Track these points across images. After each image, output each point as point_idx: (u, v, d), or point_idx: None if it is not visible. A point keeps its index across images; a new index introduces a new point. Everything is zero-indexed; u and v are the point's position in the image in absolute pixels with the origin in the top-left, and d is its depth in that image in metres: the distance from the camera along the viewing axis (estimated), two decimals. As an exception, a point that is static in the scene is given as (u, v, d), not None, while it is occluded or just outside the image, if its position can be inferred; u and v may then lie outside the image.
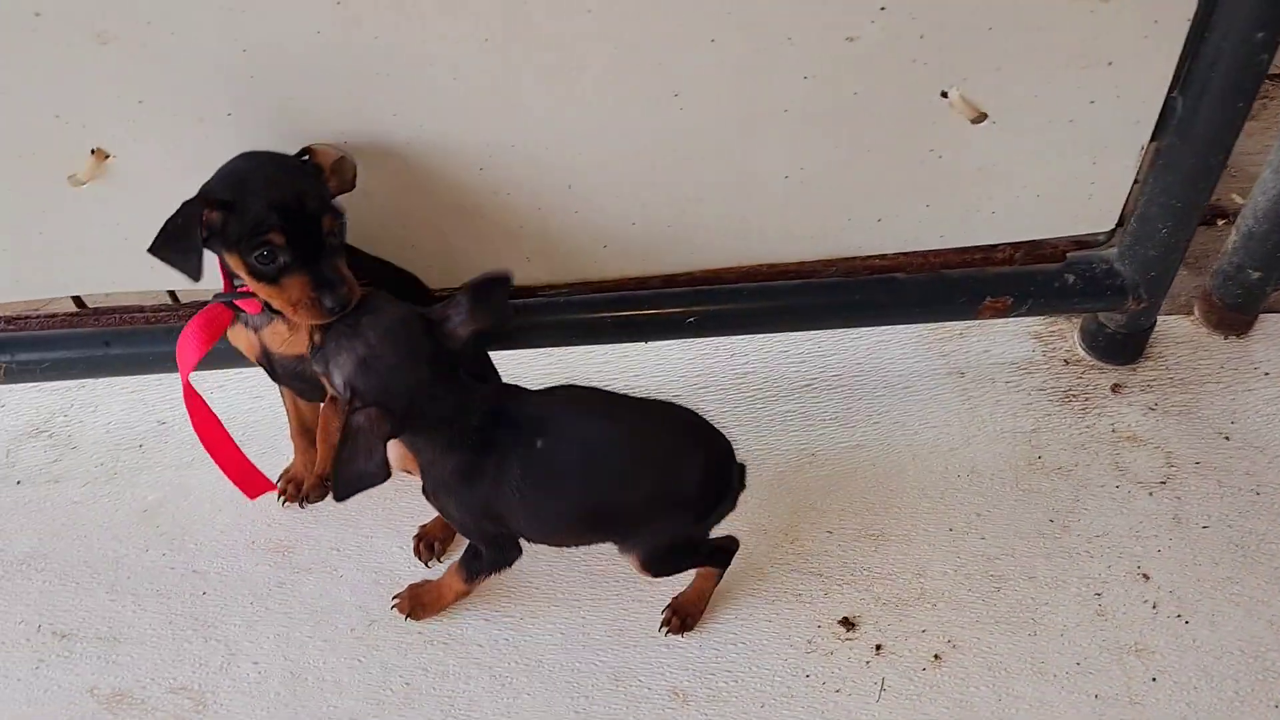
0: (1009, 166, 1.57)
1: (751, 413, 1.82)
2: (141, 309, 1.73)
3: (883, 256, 1.70)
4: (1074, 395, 1.82)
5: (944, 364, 1.87)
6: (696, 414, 1.44)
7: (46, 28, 1.29)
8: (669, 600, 1.58)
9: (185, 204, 1.24)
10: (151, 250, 1.24)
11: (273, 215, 1.23)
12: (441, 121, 1.43)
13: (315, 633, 1.59)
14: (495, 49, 1.35)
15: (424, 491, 1.41)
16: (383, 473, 1.25)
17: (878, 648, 1.54)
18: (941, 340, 1.91)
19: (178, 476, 1.79)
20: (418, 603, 1.59)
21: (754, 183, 1.56)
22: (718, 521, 1.46)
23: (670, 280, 1.70)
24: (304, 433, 1.70)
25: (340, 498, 1.27)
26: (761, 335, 1.90)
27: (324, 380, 1.30)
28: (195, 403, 1.50)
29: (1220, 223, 2.07)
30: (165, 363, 1.73)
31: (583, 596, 1.61)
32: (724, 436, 1.44)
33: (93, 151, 1.44)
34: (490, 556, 1.47)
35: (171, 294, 1.72)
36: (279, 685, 1.54)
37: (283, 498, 1.72)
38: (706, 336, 1.72)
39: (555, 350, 1.90)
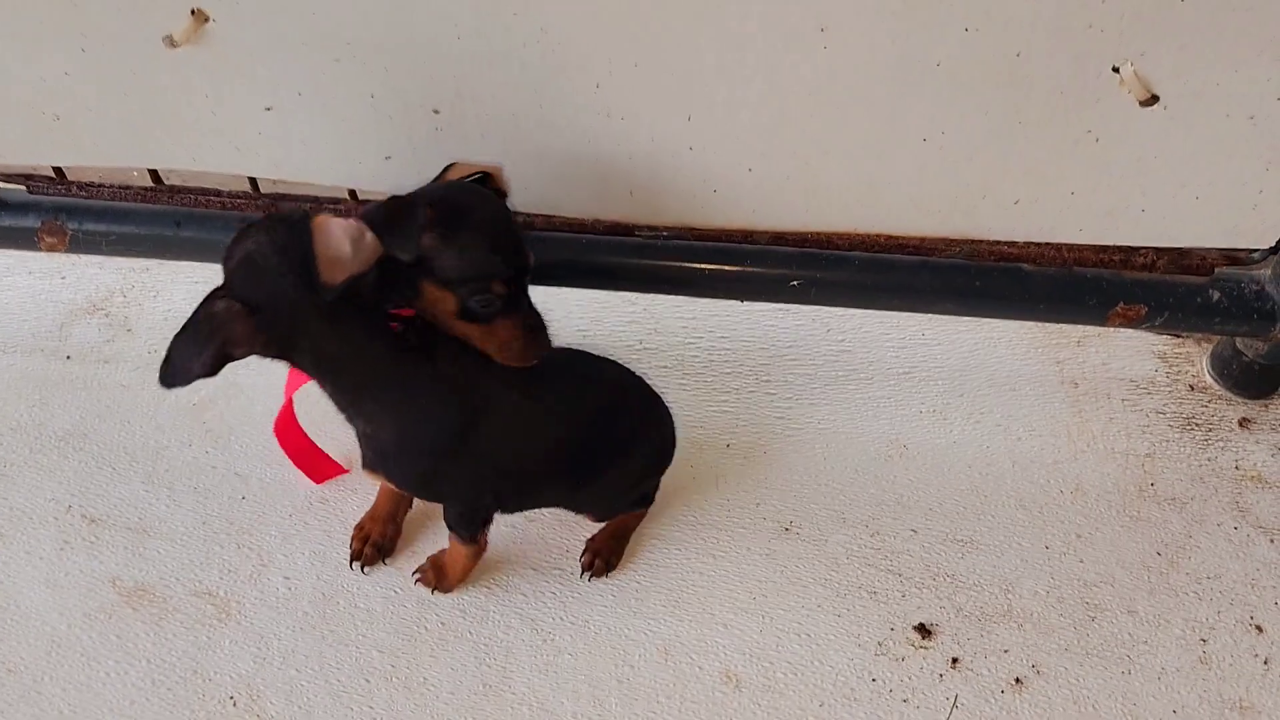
0: (1170, 161, 1.42)
1: (843, 393, 1.70)
2: (219, 193, 1.64)
3: (1012, 243, 1.55)
4: (1196, 424, 1.67)
5: (1056, 371, 1.73)
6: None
7: None
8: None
9: (406, 201, 1.15)
10: (369, 218, 1.11)
11: (497, 262, 1.17)
12: (563, 29, 1.32)
13: (353, 556, 1.50)
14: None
15: (366, 465, 1.26)
16: (206, 370, 1.06)
17: (954, 661, 1.41)
18: (1057, 345, 1.76)
19: (231, 373, 1.62)
20: (440, 573, 1.47)
21: (888, 143, 1.42)
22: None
23: (778, 238, 1.57)
24: None
25: (164, 380, 1.06)
26: (862, 312, 1.77)
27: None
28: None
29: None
30: (235, 253, 1.65)
31: (639, 559, 1.50)
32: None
33: (193, 12, 1.34)
34: (459, 508, 1.36)
35: (252, 181, 1.63)
36: (308, 605, 1.45)
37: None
38: (809, 304, 1.59)
39: (641, 298, 1.79)
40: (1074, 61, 1.32)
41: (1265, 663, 1.41)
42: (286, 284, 1.06)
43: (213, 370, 1.06)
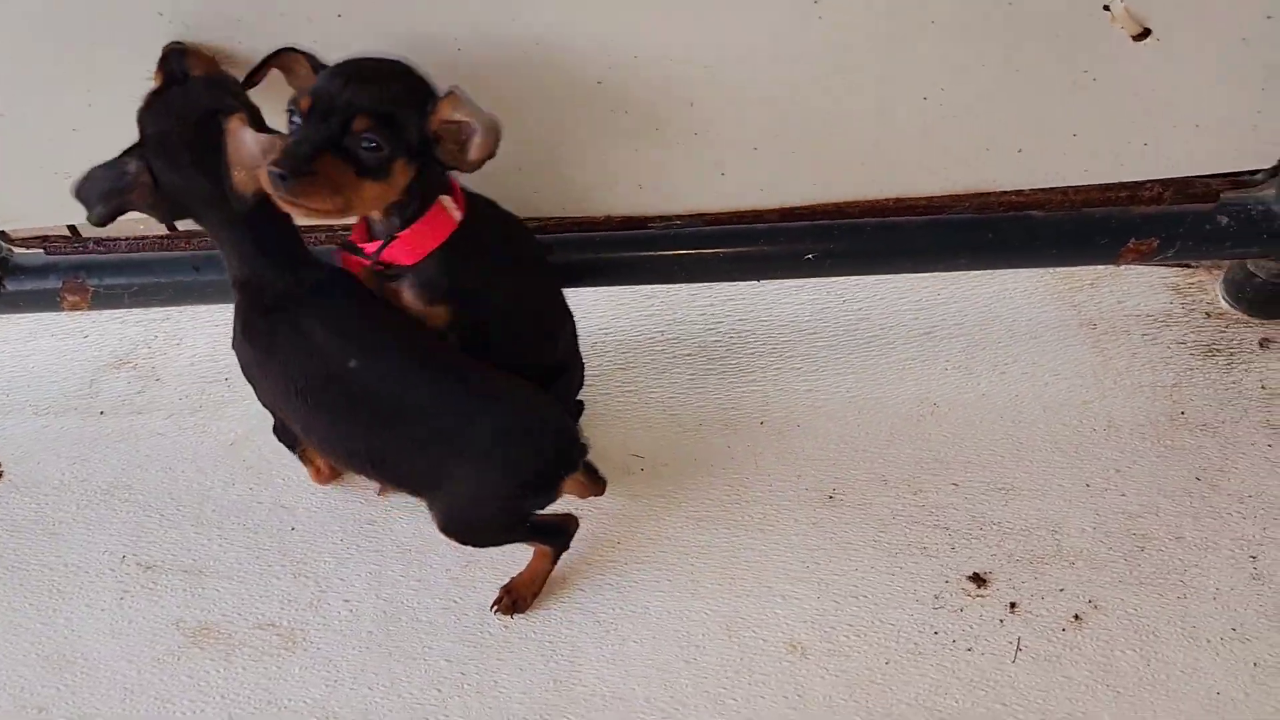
0: (1167, 92, 1.44)
1: (867, 359, 1.72)
2: (233, 233, 1.65)
3: (1019, 192, 1.58)
4: (1217, 350, 1.69)
5: (1074, 314, 1.75)
6: (538, 393, 1.34)
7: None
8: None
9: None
10: None
11: (320, 80, 1.16)
12: (563, 29, 1.34)
13: (408, 572, 1.51)
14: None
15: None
16: (103, 219, 1.17)
17: (1012, 606, 1.43)
18: (1071, 290, 1.78)
19: (263, 411, 1.71)
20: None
21: (890, 106, 1.44)
22: (541, 504, 1.36)
23: (788, 214, 1.59)
24: None
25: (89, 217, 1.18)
26: (875, 279, 1.79)
27: None
28: None
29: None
30: (256, 290, 1.66)
31: (689, 543, 1.52)
32: (563, 418, 1.34)
33: (195, 55, 1.36)
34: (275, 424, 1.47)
35: (265, 217, 1.64)
36: (371, 624, 1.47)
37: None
38: (825, 276, 1.62)
39: (657, 291, 1.81)
40: (1066, 3, 1.34)
41: (1317, 571, 1.44)
42: (191, 176, 1.16)
43: (109, 219, 1.17)
